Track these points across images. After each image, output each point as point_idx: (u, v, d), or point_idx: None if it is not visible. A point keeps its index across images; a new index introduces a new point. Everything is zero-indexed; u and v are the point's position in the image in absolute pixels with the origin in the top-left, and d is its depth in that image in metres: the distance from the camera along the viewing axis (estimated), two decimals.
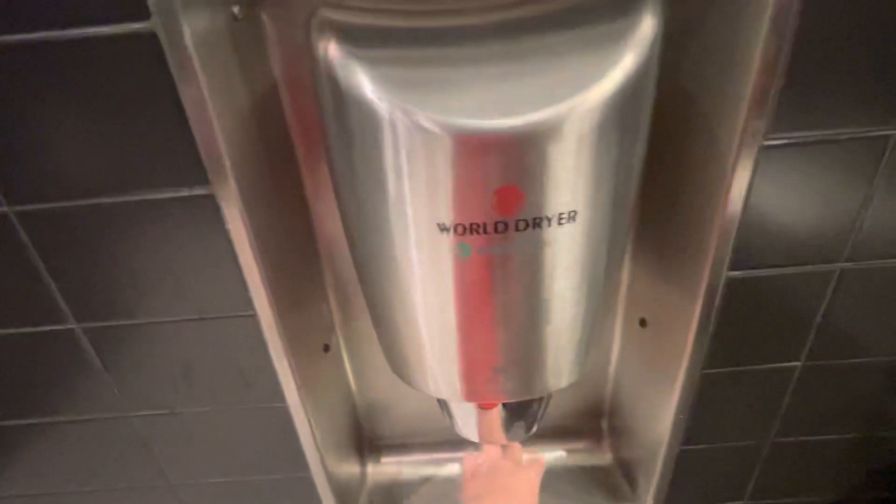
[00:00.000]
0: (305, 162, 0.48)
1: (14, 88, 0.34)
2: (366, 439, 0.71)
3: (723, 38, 0.36)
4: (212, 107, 0.34)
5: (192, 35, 0.32)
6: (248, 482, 0.58)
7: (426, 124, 0.25)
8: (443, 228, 0.28)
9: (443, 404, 0.46)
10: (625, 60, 0.25)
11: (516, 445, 0.48)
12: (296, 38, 0.41)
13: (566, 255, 0.29)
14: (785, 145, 0.37)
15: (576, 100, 0.25)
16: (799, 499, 0.63)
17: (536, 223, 0.27)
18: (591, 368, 0.64)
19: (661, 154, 0.44)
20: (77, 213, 0.39)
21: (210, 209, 0.39)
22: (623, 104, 0.26)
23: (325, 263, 0.55)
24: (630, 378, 0.61)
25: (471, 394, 0.36)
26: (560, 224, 0.27)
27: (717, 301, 0.44)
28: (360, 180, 0.29)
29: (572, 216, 0.28)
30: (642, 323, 0.54)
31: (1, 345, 0.46)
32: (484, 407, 0.44)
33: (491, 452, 0.46)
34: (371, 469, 0.70)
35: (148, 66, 0.33)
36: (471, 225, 0.27)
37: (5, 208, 0.38)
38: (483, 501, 0.41)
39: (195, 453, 0.55)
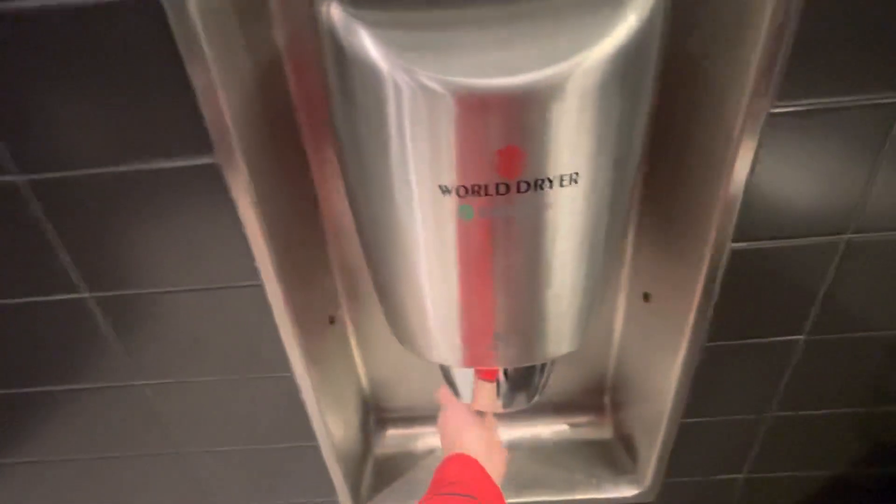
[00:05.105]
0: (310, 135, 0.48)
1: (22, 58, 0.34)
2: (372, 411, 0.72)
3: (731, 3, 0.35)
4: (216, 75, 0.35)
5: (196, 3, 0.32)
6: (256, 450, 0.60)
7: (429, 83, 0.25)
8: (445, 191, 0.28)
9: (446, 373, 0.47)
10: (628, 19, 0.25)
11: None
12: (300, 8, 0.41)
13: (568, 219, 0.29)
14: (792, 113, 0.36)
15: (578, 58, 0.25)
16: (799, 473, 0.64)
17: (538, 185, 0.27)
18: (594, 343, 0.65)
19: (667, 123, 0.44)
20: (86, 181, 0.40)
21: (215, 178, 0.39)
22: (626, 64, 0.26)
23: (330, 237, 0.55)
24: (633, 353, 0.62)
25: (472, 359, 0.37)
26: (562, 186, 0.28)
27: (721, 273, 0.44)
28: (362, 144, 0.29)
29: (574, 178, 0.28)
30: (646, 297, 0.55)
31: (14, 313, 0.47)
32: (483, 377, 0.45)
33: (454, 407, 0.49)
34: (377, 440, 0.72)
35: (153, 34, 0.33)
36: (473, 186, 0.27)
37: (17, 177, 0.39)
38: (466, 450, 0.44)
39: (204, 422, 0.57)
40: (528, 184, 0.27)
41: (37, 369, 0.52)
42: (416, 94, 0.26)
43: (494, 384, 0.44)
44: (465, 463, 0.42)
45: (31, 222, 0.41)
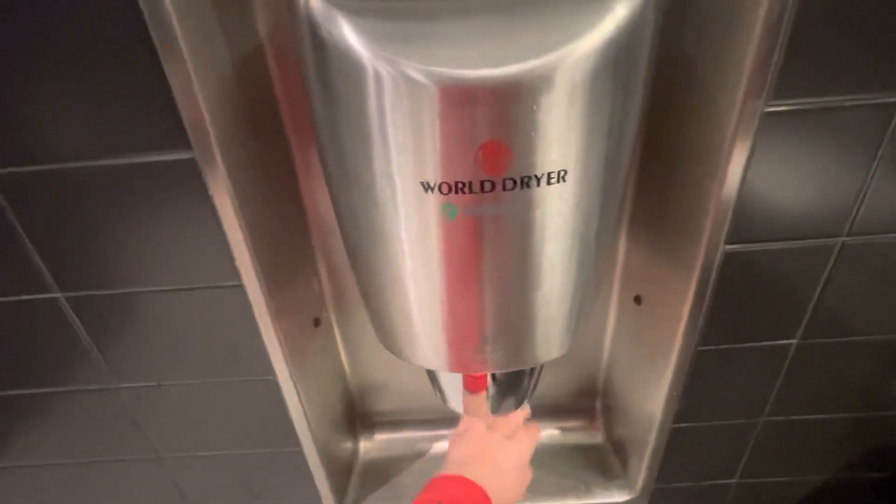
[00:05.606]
0: (294, 130, 0.47)
1: None
2: (358, 415, 0.71)
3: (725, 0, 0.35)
4: (193, 69, 0.33)
5: None
6: (239, 455, 0.58)
7: (411, 74, 0.24)
8: (427, 188, 0.27)
9: (432, 377, 0.46)
10: (616, 10, 0.24)
11: (509, 417, 0.48)
12: None
13: (556, 218, 0.28)
14: (787, 112, 0.36)
15: (565, 50, 0.24)
16: (791, 478, 0.63)
17: (525, 182, 0.26)
18: (584, 347, 0.64)
19: (660, 122, 0.43)
20: (57, 176, 0.38)
21: (193, 174, 0.38)
22: (615, 57, 0.25)
23: (315, 236, 0.54)
24: (624, 356, 0.61)
25: (458, 363, 0.36)
26: (549, 184, 0.26)
27: (713, 276, 0.43)
28: (343, 138, 0.28)
29: (562, 176, 0.27)
30: (637, 300, 0.54)
31: None
32: (470, 390, 0.43)
33: (472, 423, 0.46)
34: (363, 445, 0.70)
35: (126, 24, 0.32)
36: (456, 184, 0.26)
37: None
38: (466, 467, 0.41)
39: (184, 426, 0.55)
40: (515, 181, 0.26)
41: (7, 372, 0.50)
42: (397, 85, 0.24)
43: (483, 395, 0.43)
44: (451, 480, 0.41)
45: None
